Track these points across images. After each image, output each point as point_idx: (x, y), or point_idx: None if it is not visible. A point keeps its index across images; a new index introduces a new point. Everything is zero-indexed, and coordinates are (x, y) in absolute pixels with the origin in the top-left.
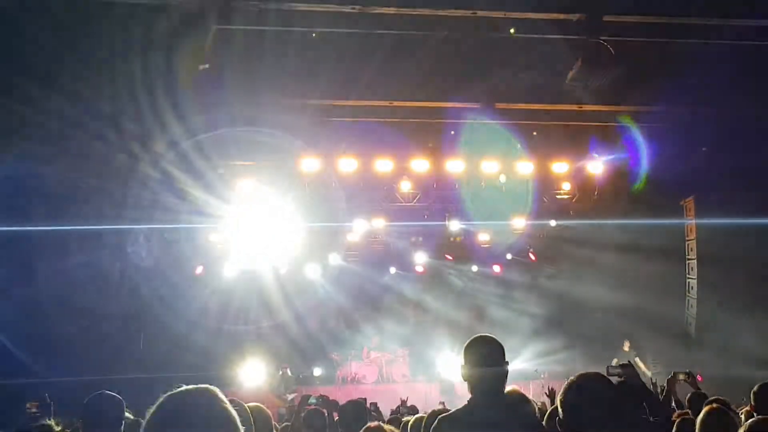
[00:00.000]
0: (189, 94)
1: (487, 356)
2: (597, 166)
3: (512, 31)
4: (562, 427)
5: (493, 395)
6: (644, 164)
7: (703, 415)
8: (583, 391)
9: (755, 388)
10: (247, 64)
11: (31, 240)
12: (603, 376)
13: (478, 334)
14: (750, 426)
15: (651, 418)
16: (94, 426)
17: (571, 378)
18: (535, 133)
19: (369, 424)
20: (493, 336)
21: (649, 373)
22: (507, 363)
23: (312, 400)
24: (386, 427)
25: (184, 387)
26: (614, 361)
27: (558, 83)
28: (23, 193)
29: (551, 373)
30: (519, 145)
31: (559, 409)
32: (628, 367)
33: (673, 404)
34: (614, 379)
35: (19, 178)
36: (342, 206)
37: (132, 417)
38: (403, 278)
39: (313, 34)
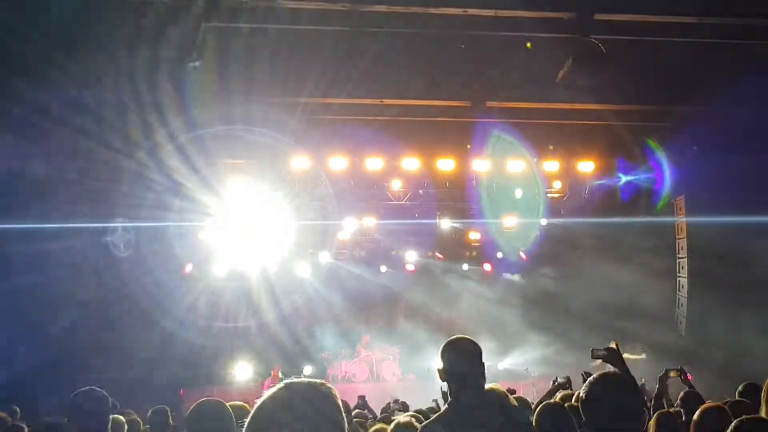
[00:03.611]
0: (178, 91)
1: (464, 358)
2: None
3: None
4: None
5: (475, 396)
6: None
7: (699, 414)
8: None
9: (740, 388)
10: (237, 62)
11: (12, 235)
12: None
13: (454, 336)
14: (737, 426)
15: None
16: (80, 423)
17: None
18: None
19: (399, 419)
20: (469, 337)
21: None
22: (483, 365)
23: None
24: (416, 423)
25: (305, 379)
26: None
27: (549, 82)
28: (6, 187)
29: (541, 372)
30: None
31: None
32: (612, 351)
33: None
34: (597, 362)
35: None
36: (332, 204)
37: (123, 418)
38: (394, 277)
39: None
